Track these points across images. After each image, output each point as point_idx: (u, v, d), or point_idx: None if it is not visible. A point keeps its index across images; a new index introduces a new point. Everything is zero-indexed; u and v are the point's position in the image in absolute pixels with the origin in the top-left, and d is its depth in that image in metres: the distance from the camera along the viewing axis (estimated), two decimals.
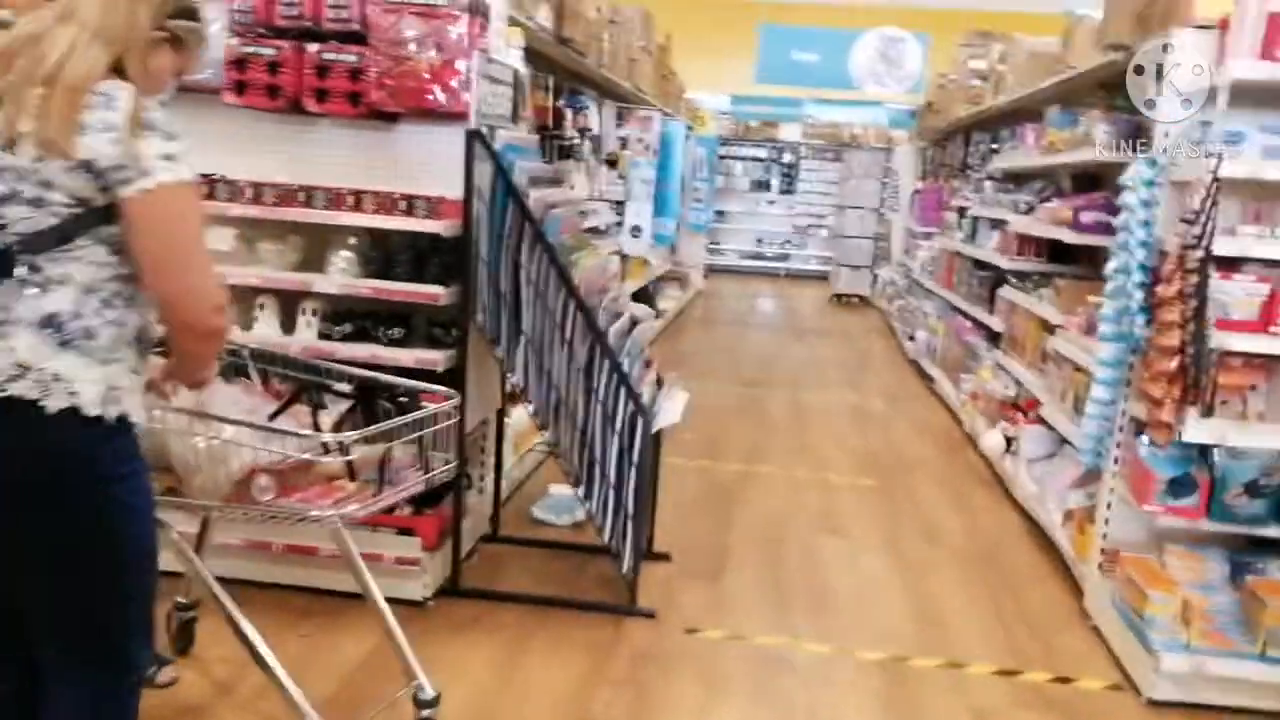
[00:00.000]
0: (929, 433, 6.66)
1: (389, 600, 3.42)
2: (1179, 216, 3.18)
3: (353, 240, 3.51)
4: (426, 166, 3.45)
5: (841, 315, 12.75)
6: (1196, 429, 3.12)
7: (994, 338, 6.53)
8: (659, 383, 3.93)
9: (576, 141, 6.71)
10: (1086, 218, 4.63)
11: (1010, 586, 4.08)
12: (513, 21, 4.00)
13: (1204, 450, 3.26)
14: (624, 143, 8.17)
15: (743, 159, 17.16)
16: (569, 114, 6.43)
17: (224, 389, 2.63)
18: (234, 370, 2.81)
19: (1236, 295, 3.01)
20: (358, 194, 3.40)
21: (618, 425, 3.37)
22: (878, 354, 9.75)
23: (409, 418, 2.36)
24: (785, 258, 17.09)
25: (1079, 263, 5.67)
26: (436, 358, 3.38)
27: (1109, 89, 5.11)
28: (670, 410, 3.61)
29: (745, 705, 3.03)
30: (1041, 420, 5.04)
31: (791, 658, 3.36)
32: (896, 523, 4.79)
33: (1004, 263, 6.18)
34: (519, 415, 4.49)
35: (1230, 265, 3.09)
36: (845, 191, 13.93)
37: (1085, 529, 3.89)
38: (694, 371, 8.09)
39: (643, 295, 9.32)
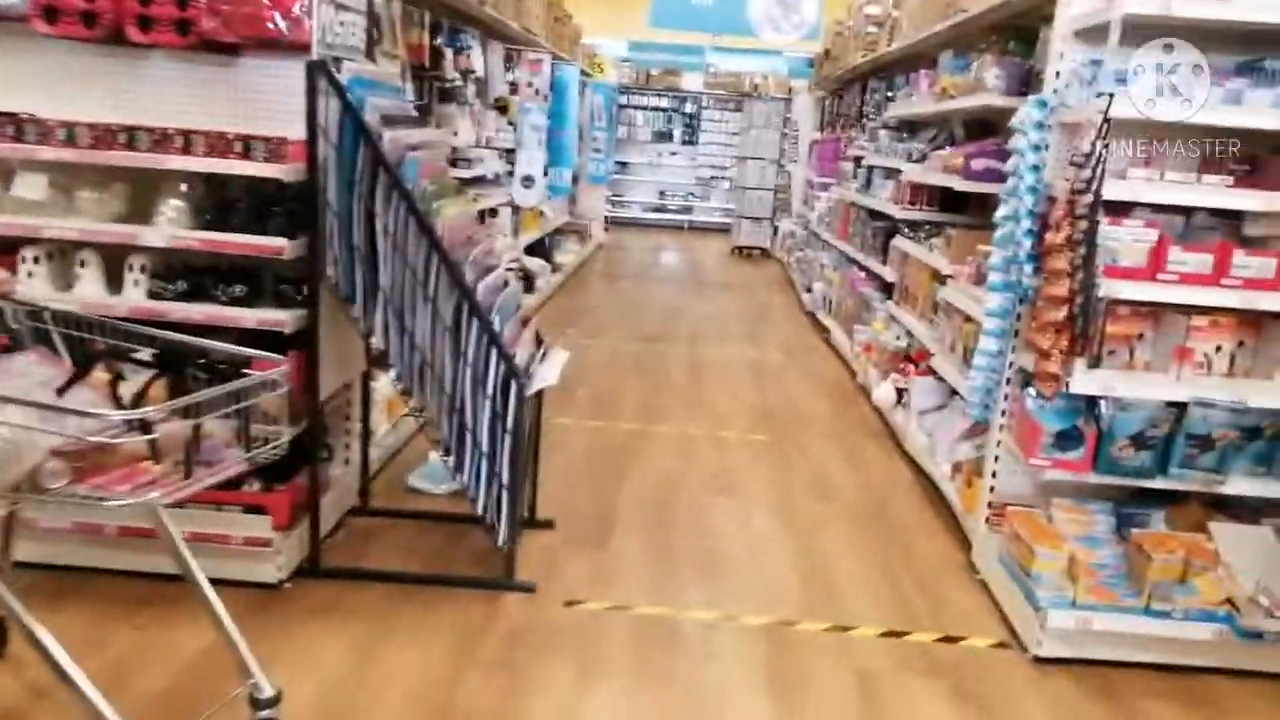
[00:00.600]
0: (824, 386, 6.59)
1: (240, 585, 3.16)
2: (1069, 160, 3.06)
3: (184, 187, 3.14)
4: (267, 104, 3.10)
5: (742, 268, 12.66)
6: (1084, 380, 3.05)
7: (887, 289, 6.47)
8: (538, 341, 3.68)
9: (458, 84, 6.33)
10: (977, 165, 4.53)
11: (899, 542, 4.01)
12: None
13: (1091, 402, 3.20)
14: (514, 87, 7.80)
15: (644, 109, 16.84)
16: (449, 54, 6.04)
17: (16, 359, 2.29)
18: (35, 335, 2.46)
19: (1125, 241, 2.92)
20: (186, 134, 3.02)
21: (489, 389, 3.12)
22: (777, 307, 9.68)
23: (222, 389, 2.06)
24: (688, 210, 16.92)
25: (971, 212, 5.62)
26: (283, 318, 3.06)
27: (1001, 32, 5.01)
28: (547, 372, 3.37)
29: (623, 685, 2.86)
30: (932, 371, 4.99)
31: (676, 628, 3.20)
32: (789, 479, 4.68)
33: (897, 212, 6.09)
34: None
35: (1120, 210, 2.99)
36: (745, 142, 13.78)
37: (973, 482, 3.83)
38: (591, 327, 7.86)
39: (539, 248, 9.02)
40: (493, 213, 7.56)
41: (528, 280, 7.99)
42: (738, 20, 9.24)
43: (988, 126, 5.30)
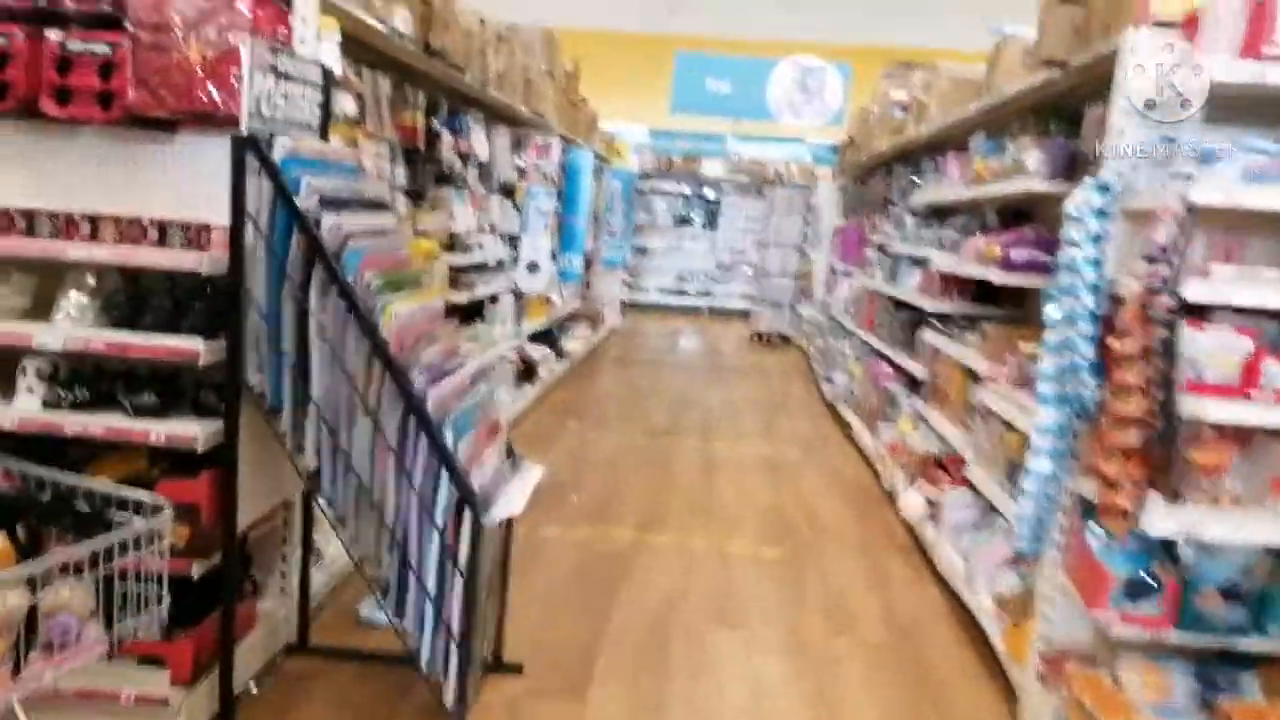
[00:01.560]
0: (844, 489, 6.02)
1: None
2: (1141, 254, 2.56)
3: (93, 280, 2.71)
4: (196, 187, 2.67)
5: (761, 354, 12.17)
6: (1161, 518, 2.49)
7: (915, 385, 5.95)
8: (509, 453, 3.18)
9: (457, 167, 5.98)
10: (1018, 255, 4.04)
11: (930, 692, 3.40)
12: (327, 9, 3.26)
13: (1168, 543, 2.64)
14: (522, 172, 7.47)
15: (665, 194, 16.63)
16: (446, 136, 5.70)
17: None
18: None
19: (1211, 351, 2.40)
20: (94, 220, 2.61)
21: (438, 518, 2.61)
22: (795, 397, 9.14)
23: (75, 550, 1.57)
24: (707, 294, 16.55)
25: (1006, 304, 5.12)
26: (195, 432, 2.58)
27: (1038, 113, 4.58)
28: (511, 498, 2.86)
29: None
30: (967, 483, 4.43)
31: None
32: (801, 606, 4.09)
33: (926, 304, 5.62)
34: None
35: (1199, 314, 2.48)
36: (768, 228, 13.44)
37: (1021, 624, 3.24)
38: (596, 419, 7.36)
39: (545, 336, 8.59)
40: (493, 300, 7.16)
41: (529, 370, 7.54)
42: (758, 106, 8.94)
43: (1021, 215, 4.84)
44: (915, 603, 4.23)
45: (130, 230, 2.59)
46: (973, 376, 4.46)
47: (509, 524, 3.16)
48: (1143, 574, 2.58)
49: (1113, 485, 2.54)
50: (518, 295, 7.38)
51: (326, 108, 3.06)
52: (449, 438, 2.63)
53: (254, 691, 2.96)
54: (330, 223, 2.59)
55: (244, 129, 2.56)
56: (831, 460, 6.69)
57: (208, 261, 2.55)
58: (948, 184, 5.88)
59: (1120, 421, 2.50)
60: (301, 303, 2.57)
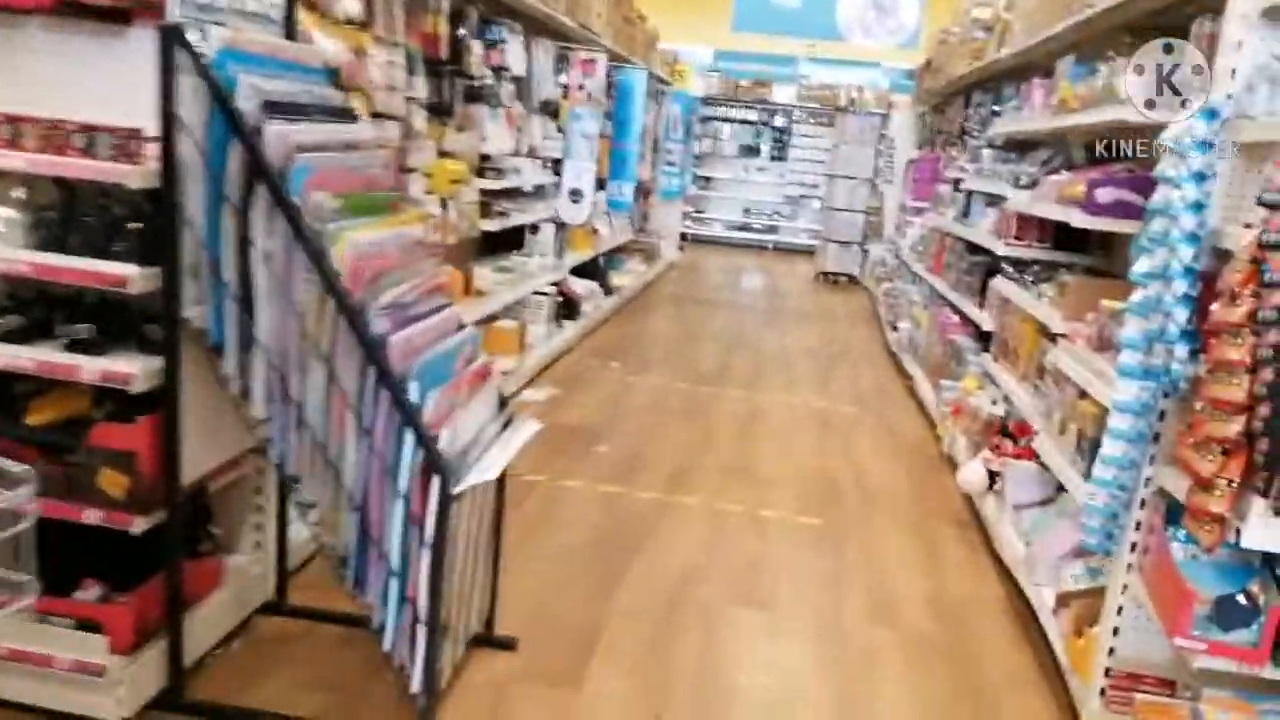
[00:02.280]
0: (900, 450, 5.55)
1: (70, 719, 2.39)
2: (1256, 197, 2.04)
3: (22, 193, 2.38)
4: (121, 86, 2.29)
5: (825, 296, 11.59)
6: (1265, 529, 2.01)
7: (984, 338, 5.41)
8: (501, 404, 2.81)
9: (488, 82, 5.53)
10: (1104, 195, 3.48)
11: (977, 696, 2.99)
12: None
13: (1270, 558, 2.16)
14: (566, 91, 6.98)
15: (731, 121, 15.88)
16: (476, 47, 5.25)
17: None
18: None
19: None
20: (15, 123, 2.26)
21: (401, 484, 2.26)
22: (857, 345, 8.61)
23: None
24: (774, 229, 15.90)
25: (1093, 252, 4.54)
26: (132, 370, 2.25)
27: (1139, 33, 3.94)
28: (490, 461, 2.49)
29: None
30: (1034, 454, 3.94)
31: None
32: (840, 585, 3.69)
33: (999, 247, 5.05)
34: None
35: None
36: (836, 159, 12.70)
37: (1085, 633, 2.79)
38: (639, 361, 6.97)
39: (590, 269, 8.19)
40: (533, 229, 6.77)
41: (571, 306, 7.15)
42: (826, 24, 8.26)
43: (1113, 152, 4.23)
44: (968, 588, 3.79)
45: (53, 136, 2.23)
46: (1046, 334, 3.94)
47: (502, 480, 2.81)
48: (1237, 595, 2.11)
49: (1205, 485, 2.06)
50: (560, 225, 6.97)
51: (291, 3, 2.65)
52: (414, 390, 2.26)
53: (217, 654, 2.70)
54: (275, 131, 2.19)
55: (171, 16, 2.17)
56: (889, 417, 6.20)
57: (138, 175, 2.19)
58: (1029, 113, 5.26)
59: (1218, 407, 2.01)
60: (243, 226, 2.20)
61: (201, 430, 2.43)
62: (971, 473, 4.32)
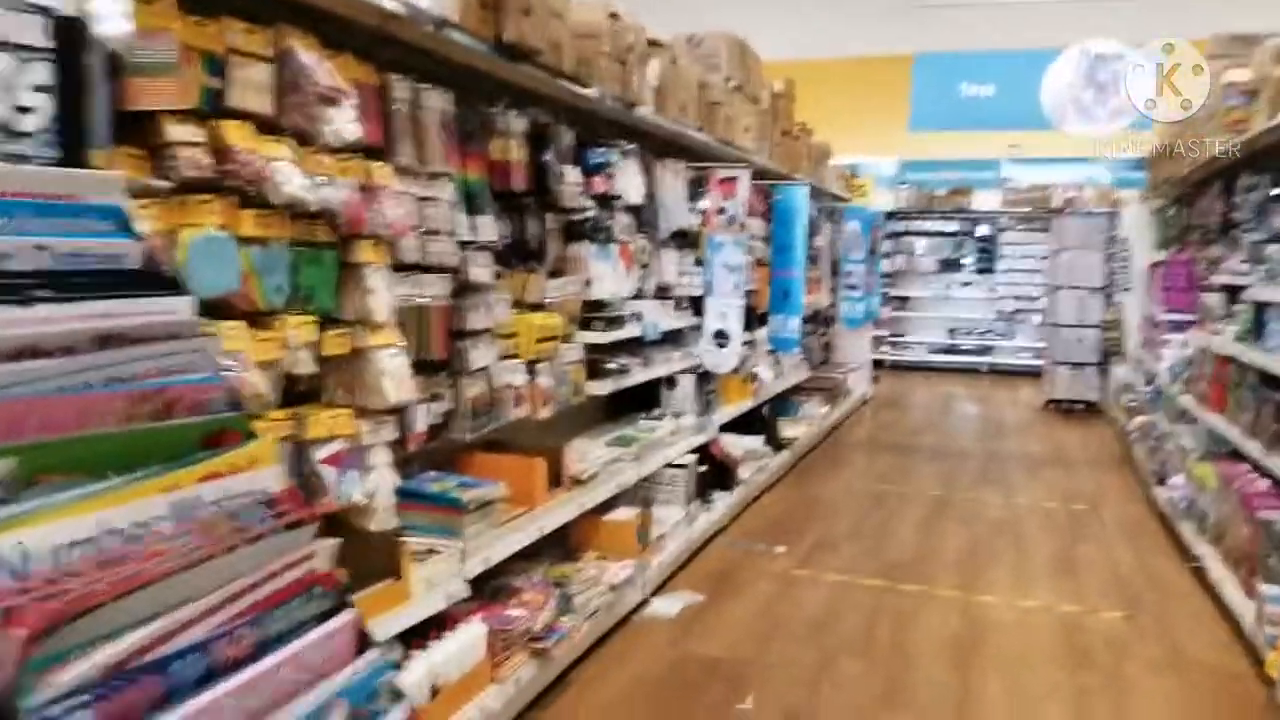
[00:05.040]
0: (1200, 687, 3.70)
1: None
2: None
3: None
4: None
5: (1058, 431, 9.55)
6: None
7: None
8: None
9: (592, 214, 4.44)
10: None
11: None
12: None
13: None
14: (704, 217, 5.83)
15: (926, 234, 14.31)
16: (569, 174, 4.19)
17: None
18: None
19: None
20: None
21: None
22: (1111, 503, 6.64)
23: None
24: (987, 350, 13.96)
25: None
26: None
27: None
28: None
29: None
30: None
31: None
32: None
33: None
34: None
35: None
36: (1057, 268, 10.81)
37: None
38: (812, 545, 5.44)
39: (756, 423, 6.81)
40: (669, 383, 5.52)
41: (723, 474, 5.78)
42: (1027, 111, 6.73)
43: None
44: None
45: None
46: None
47: None
48: None
49: None
50: (703, 376, 5.69)
51: (75, 98, 1.58)
52: None
53: None
54: None
55: None
56: (1176, 629, 4.31)
57: None
58: None
59: None
60: None
61: None
62: None
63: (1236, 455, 4.79)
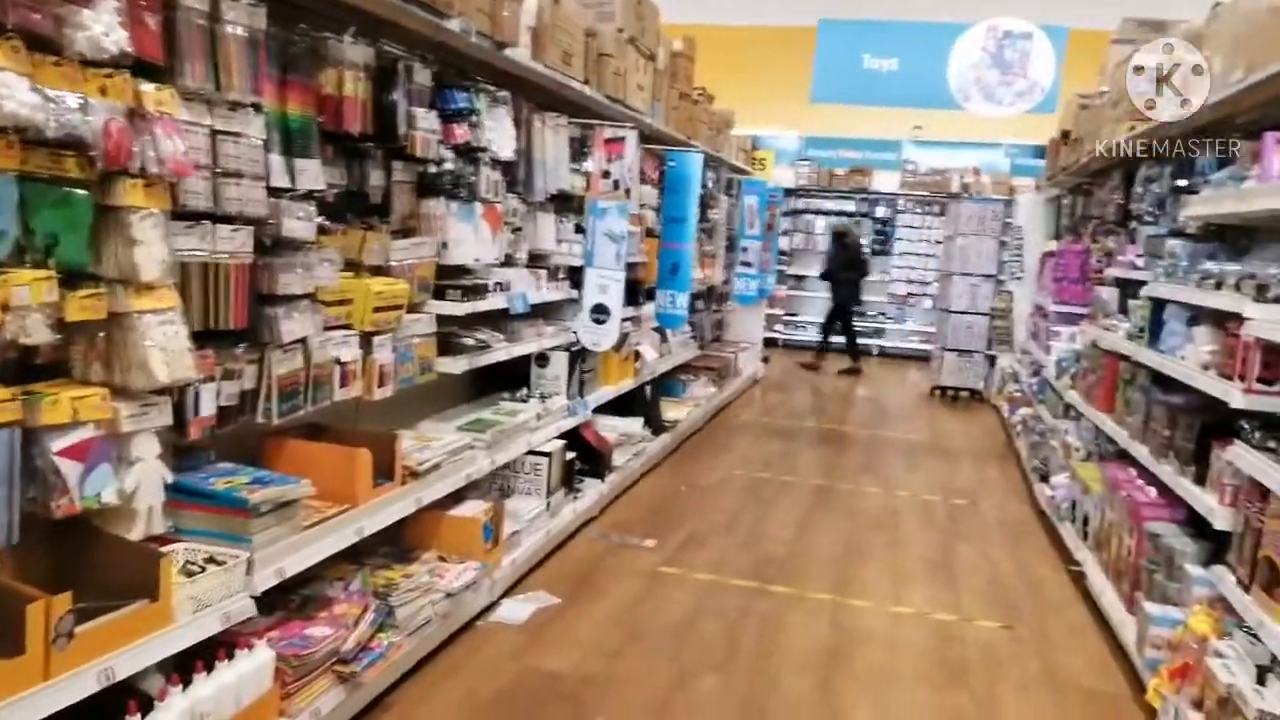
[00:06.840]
0: (1072, 707, 3.48)
1: None
2: None
3: None
4: None
5: (944, 420, 9.48)
6: None
7: (1215, 537, 3.39)
8: None
9: (451, 166, 3.92)
10: None
11: None
12: None
13: None
14: (587, 179, 5.35)
15: (825, 213, 14.12)
16: (423, 119, 3.66)
17: None
18: None
19: None
20: None
21: None
22: (993, 498, 6.49)
23: None
24: (879, 333, 13.91)
25: None
26: None
27: None
28: None
29: None
30: None
31: None
32: None
33: (1233, 394, 3.14)
34: None
35: None
36: (950, 253, 10.73)
37: None
38: (683, 540, 5.07)
39: (637, 402, 6.41)
40: (540, 361, 5.06)
41: (595, 460, 5.35)
42: (933, 89, 6.44)
43: None
44: None
45: None
46: None
47: None
48: None
49: None
50: (578, 354, 5.25)
51: None
52: None
53: None
54: None
55: None
56: (1056, 644, 4.09)
57: None
58: (1259, 187, 3.36)
59: None
60: None
61: None
62: None
63: (1123, 455, 4.62)
